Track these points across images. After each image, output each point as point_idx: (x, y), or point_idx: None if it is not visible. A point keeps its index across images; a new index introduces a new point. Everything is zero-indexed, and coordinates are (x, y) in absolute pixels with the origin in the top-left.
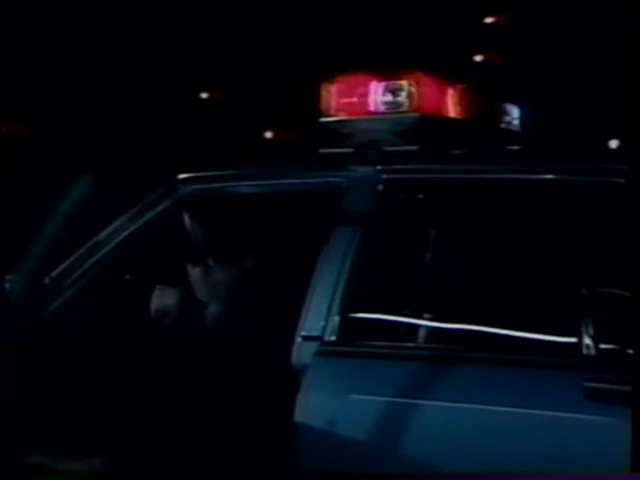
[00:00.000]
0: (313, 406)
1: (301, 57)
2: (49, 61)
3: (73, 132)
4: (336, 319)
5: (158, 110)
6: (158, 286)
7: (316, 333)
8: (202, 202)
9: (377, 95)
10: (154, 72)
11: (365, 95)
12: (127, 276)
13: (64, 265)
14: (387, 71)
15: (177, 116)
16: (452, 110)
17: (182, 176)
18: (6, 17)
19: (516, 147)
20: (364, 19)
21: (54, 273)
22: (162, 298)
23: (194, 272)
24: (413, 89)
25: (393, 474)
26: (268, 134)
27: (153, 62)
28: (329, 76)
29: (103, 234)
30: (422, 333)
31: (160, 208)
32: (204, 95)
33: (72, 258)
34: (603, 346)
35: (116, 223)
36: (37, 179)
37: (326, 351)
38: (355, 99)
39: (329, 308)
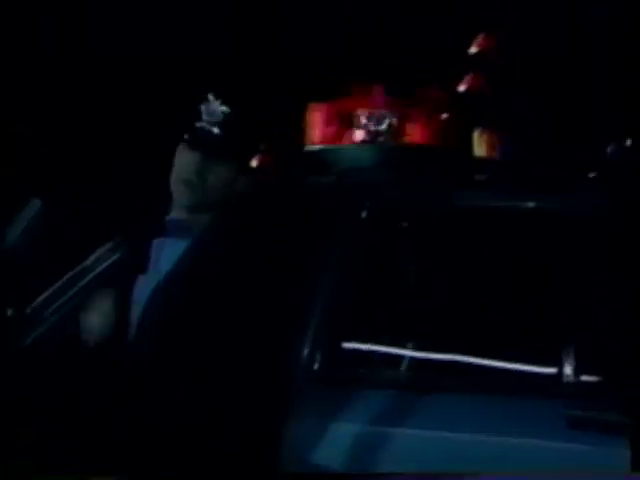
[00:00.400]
0: (299, 433)
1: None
2: (49, 61)
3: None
4: (321, 347)
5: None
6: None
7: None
8: None
9: (360, 124)
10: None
11: (349, 123)
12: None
13: (45, 295)
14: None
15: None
16: (437, 140)
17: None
18: (6, 17)
19: (496, 175)
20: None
21: (35, 303)
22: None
23: None
24: (394, 120)
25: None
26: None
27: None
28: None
29: (87, 262)
30: (404, 361)
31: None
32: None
33: (53, 287)
34: (585, 375)
35: (98, 252)
36: (37, 179)
37: (312, 379)
38: (339, 127)
39: (314, 335)
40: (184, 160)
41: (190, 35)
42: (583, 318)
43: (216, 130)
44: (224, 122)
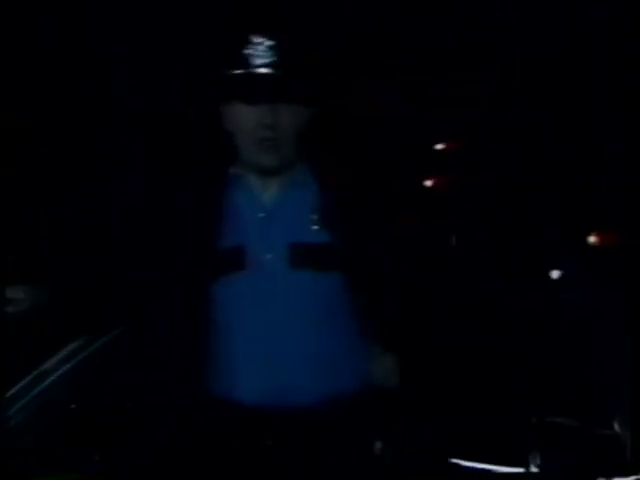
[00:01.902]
0: None
1: None
2: (49, 61)
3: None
4: None
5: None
6: None
7: None
8: None
9: None
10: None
11: None
12: (73, 406)
13: (9, 393)
14: None
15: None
16: None
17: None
18: (6, 17)
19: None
20: None
21: None
22: None
23: None
24: None
25: None
26: None
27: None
28: None
29: (51, 361)
30: None
31: (112, 335)
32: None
33: (18, 386)
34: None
35: (64, 351)
36: (37, 179)
37: None
38: None
39: None
40: None
41: (190, 35)
42: (549, 420)
43: None
44: None
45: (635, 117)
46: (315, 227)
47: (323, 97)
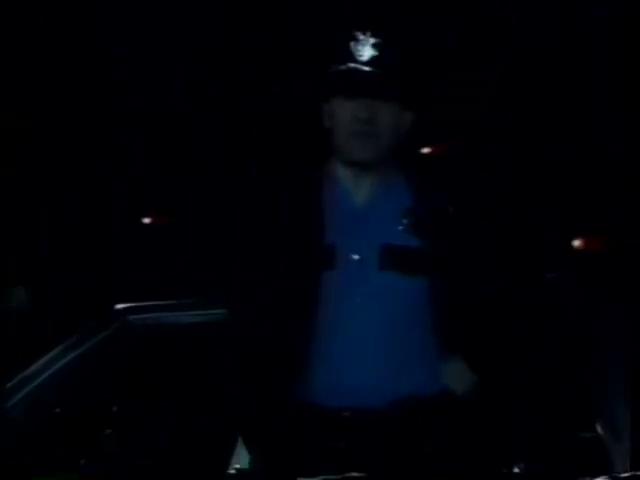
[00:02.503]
0: None
1: None
2: (49, 61)
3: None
4: None
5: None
6: None
7: None
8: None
9: None
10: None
11: None
12: (57, 410)
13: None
14: None
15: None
16: None
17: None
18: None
19: None
20: None
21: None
22: None
23: None
24: None
25: None
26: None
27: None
28: None
29: (31, 368)
30: None
31: (94, 341)
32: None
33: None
34: None
35: (46, 356)
36: (37, 179)
37: None
38: None
39: None
40: None
41: (190, 35)
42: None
43: None
44: None
45: (635, 117)
46: (406, 229)
47: (421, 97)
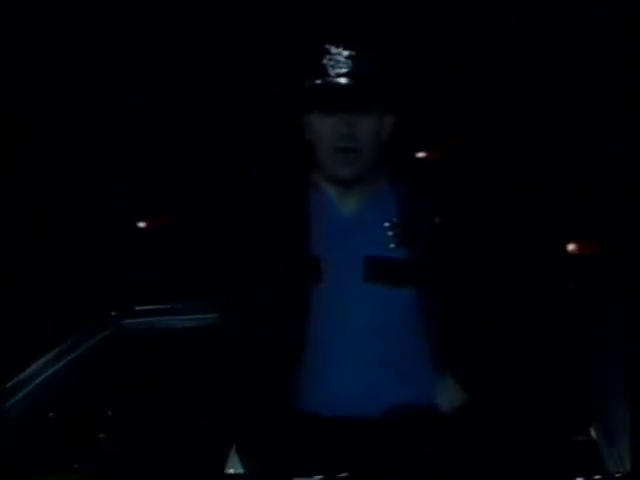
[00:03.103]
0: None
1: None
2: (49, 61)
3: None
4: None
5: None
6: None
7: None
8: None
9: None
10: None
11: None
12: (56, 410)
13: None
14: None
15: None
16: None
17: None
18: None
19: None
20: None
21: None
22: None
23: None
24: None
25: None
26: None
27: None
28: None
29: (31, 369)
30: None
31: (93, 341)
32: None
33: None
34: None
35: (46, 357)
36: (37, 179)
37: None
38: None
39: None
40: None
41: (190, 35)
42: None
43: None
44: None
45: (635, 117)
46: (392, 242)
47: (401, 107)
